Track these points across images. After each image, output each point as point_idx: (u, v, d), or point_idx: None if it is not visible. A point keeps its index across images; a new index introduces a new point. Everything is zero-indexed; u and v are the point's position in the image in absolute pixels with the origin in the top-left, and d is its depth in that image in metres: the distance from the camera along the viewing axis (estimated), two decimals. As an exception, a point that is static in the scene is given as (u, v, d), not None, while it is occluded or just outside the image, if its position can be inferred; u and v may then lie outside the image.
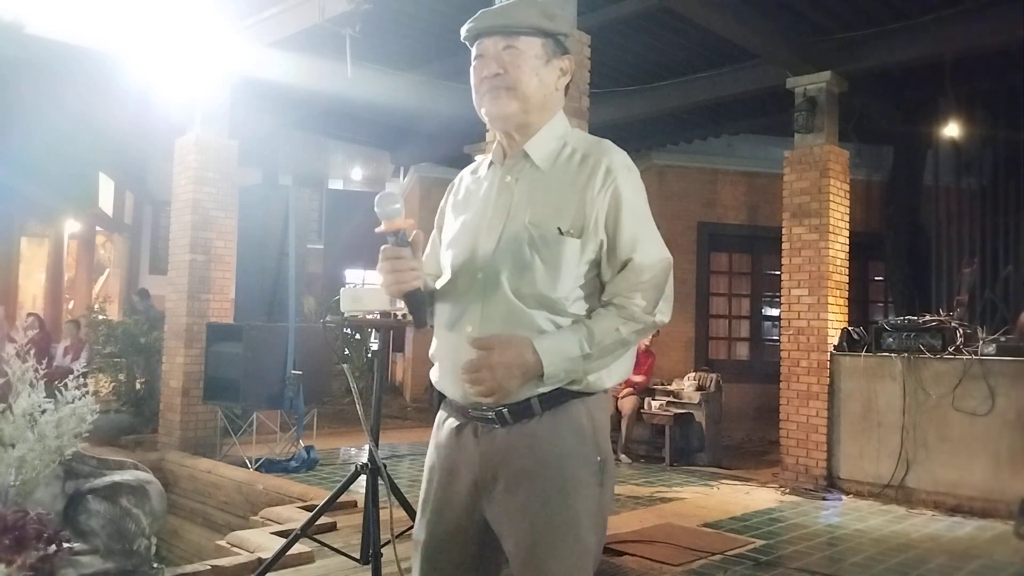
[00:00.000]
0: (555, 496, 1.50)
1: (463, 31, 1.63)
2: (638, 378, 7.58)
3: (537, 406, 1.52)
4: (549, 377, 1.50)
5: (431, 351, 1.69)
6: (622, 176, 1.56)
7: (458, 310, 1.59)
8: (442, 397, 1.68)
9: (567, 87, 1.68)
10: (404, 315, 3.27)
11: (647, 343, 7.78)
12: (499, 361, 1.46)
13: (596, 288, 1.58)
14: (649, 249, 1.57)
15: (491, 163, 1.70)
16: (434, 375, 1.69)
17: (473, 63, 1.63)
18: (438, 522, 1.63)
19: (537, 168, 1.60)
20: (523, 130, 1.62)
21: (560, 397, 1.53)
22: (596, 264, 1.57)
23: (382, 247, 1.58)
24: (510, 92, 1.57)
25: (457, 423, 1.63)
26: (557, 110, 1.65)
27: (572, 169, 1.58)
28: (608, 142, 1.63)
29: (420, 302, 1.61)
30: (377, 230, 1.58)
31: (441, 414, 1.68)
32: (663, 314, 1.58)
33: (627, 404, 7.59)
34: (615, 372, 1.60)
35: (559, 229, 1.53)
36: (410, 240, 1.58)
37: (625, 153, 1.61)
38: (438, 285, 1.67)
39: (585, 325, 1.53)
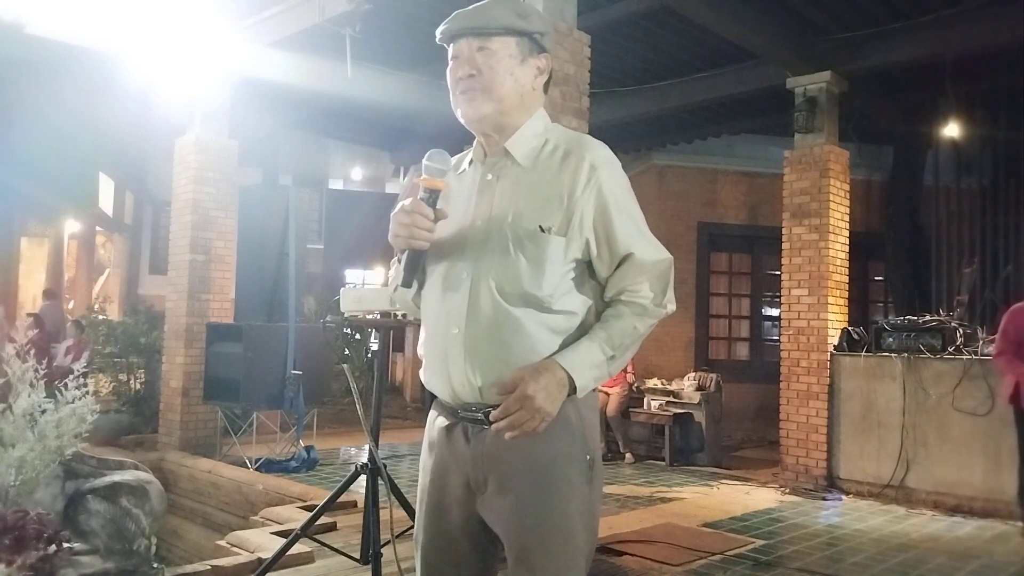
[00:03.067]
0: (545, 496, 1.51)
1: (438, 33, 1.62)
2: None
3: None
4: (582, 389, 1.51)
5: (419, 349, 1.69)
6: (605, 172, 1.55)
7: (444, 311, 1.59)
8: (434, 395, 1.68)
9: (547, 85, 1.67)
10: (404, 315, 3.27)
11: None
12: (535, 391, 1.44)
13: (582, 284, 1.57)
14: (646, 245, 1.57)
15: (472, 161, 1.69)
16: (423, 375, 1.68)
17: (449, 64, 1.62)
18: (434, 522, 1.64)
19: (518, 166, 1.59)
20: (501, 130, 1.61)
21: None
22: (582, 262, 1.56)
23: (409, 199, 1.58)
24: (485, 94, 1.56)
25: (447, 422, 1.62)
26: (537, 108, 1.64)
27: (554, 166, 1.57)
28: (589, 137, 1.62)
29: (416, 264, 1.60)
30: (416, 180, 1.58)
31: (432, 413, 1.69)
32: (671, 303, 1.60)
33: (611, 403, 7.53)
34: None
35: (541, 227, 1.52)
36: (436, 204, 1.58)
37: (606, 147, 1.60)
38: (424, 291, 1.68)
39: (602, 329, 1.53)
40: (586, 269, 1.58)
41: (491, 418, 1.49)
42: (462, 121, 1.62)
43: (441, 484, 1.62)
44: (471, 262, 1.55)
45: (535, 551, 1.50)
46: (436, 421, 1.66)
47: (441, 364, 1.58)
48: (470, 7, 1.60)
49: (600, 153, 1.57)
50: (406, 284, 1.61)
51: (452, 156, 1.74)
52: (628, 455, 7.48)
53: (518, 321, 1.51)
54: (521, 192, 1.57)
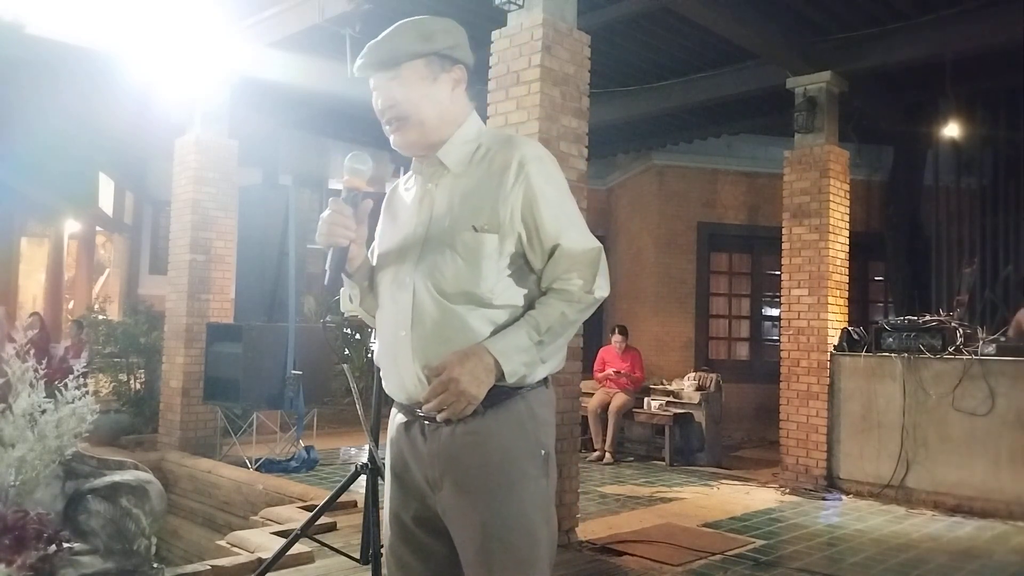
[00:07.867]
0: (502, 491, 1.55)
1: (354, 70, 1.69)
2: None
3: (479, 405, 1.55)
4: (511, 374, 1.54)
5: (375, 357, 1.75)
6: (533, 168, 1.60)
7: (392, 315, 1.65)
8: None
9: (465, 89, 1.71)
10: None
11: (628, 342, 7.82)
12: (460, 374, 1.50)
13: (523, 277, 1.62)
14: (574, 235, 1.62)
15: (414, 175, 1.76)
16: (384, 380, 1.73)
17: (372, 95, 1.69)
18: (398, 517, 1.70)
19: (452, 173, 1.65)
20: (432, 148, 1.67)
21: (500, 394, 1.56)
22: (520, 256, 1.61)
23: (331, 198, 1.68)
24: (405, 122, 1.64)
25: (406, 419, 1.68)
26: (464, 116, 1.69)
27: (485, 168, 1.63)
28: (520, 137, 1.69)
29: (340, 261, 1.67)
30: (338, 183, 1.65)
31: (393, 410, 1.74)
32: (601, 290, 1.63)
33: (616, 401, 7.57)
34: (548, 363, 1.63)
35: (475, 227, 1.57)
36: (359, 204, 1.67)
37: (539, 144, 1.66)
38: (378, 300, 1.73)
39: (531, 315, 1.58)
40: (526, 264, 1.63)
41: (421, 399, 1.56)
42: (396, 149, 1.69)
43: (403, 479, 1.68)
44: (413, 267, 1.62)
45: (495, 545, 1.54)
46: (396, 418, 1.72)
47: (393, 367, 1.65)
48: (380, 37, 1.66)
49: (529, 151, 1.62)
50: (331, 283, 1.71)
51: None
52: (608, 455, 7.41)
53: (461, 318, 1.57)
54: (456, 196, 1.63)
